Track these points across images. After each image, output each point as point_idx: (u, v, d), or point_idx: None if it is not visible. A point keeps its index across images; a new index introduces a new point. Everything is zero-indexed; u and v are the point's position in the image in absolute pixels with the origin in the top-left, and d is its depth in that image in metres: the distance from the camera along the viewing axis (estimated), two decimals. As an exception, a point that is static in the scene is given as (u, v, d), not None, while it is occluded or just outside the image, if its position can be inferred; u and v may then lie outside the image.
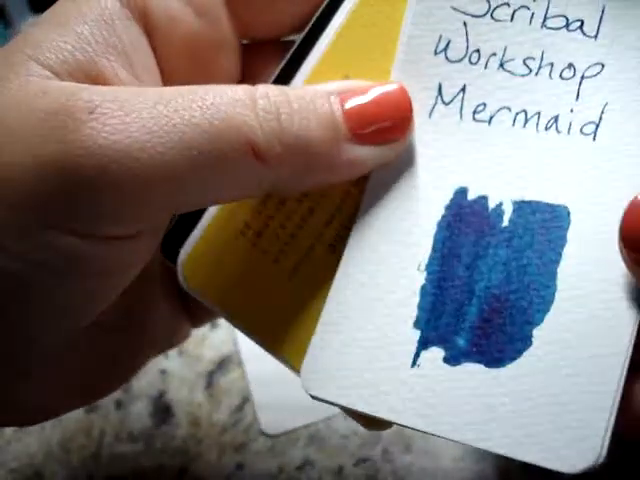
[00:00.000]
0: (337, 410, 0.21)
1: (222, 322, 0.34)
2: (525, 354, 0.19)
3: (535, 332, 0.19)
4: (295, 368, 0.21)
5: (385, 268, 0.21)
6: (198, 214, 0.22)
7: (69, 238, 0.18)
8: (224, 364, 0.33)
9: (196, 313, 0.27)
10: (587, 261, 0.19)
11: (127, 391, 0.33)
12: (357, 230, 0.21)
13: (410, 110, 0.21)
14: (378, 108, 0.20)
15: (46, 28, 0.19)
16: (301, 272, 0.22)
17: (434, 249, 0.21)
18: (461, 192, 0.21)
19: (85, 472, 0.31)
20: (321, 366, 0.20)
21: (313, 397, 0.20)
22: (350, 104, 0.20)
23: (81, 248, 0.18)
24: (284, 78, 0.22)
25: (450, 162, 0.21)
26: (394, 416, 0.20)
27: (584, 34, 0.20)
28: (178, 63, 0.21)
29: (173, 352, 0.34)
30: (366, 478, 0.30)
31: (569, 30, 0.20)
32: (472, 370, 0.20)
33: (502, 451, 0.19)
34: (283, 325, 0.22)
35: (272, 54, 0.23)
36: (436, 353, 0.20)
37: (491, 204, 0.20)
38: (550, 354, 0.19)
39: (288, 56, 0.23)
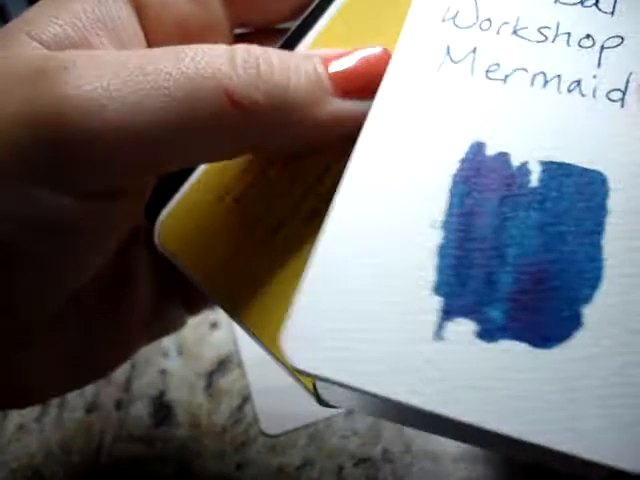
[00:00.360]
0: (337, 410, 0.21)
1: (222, 322, 0.34)
2: (576, 335, 0.17)
3: (585, 311, 0.17)
4: (261, 340, 0.21)
5: (391, 223, 0.18)
6: (182, 179, 0.22)
7: (50, 193, 0.18)
8: (224, 364, 0.33)
9: (191, 300, 0.26)
10: (635, 235, 0.17)
11: (127, 391, 0.33)
12: (350, 179, 0.19)
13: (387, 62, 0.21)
14: (362, 68, 0.20)
15: (42, 5, 0.20)
16: (274, 242, 0.22)
17: (451, 205, 0.18)
18: (478, 146, 0.19)
19: (85, 472, 0.31)
20: (311, 332, 0.17)
21: (300, 372, 0.17)
22: (334, 66, 0.20)
23: (63, 204, 0.18)
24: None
25: (463, 116, 0.19)
26: (418, 400, 0.16)
27: (600, 10, 0.20)
28: (168, 45, 0.22)
29: (173, 352, 0.34)
30: (366, 478, 0.30)
31: (584, 6, 0.20)
32: (513, 349, 0.17)
33: (557, 446, 0.16)
34: (252, 294, 0.21)
35: (265, 42, 0.23)
36: (465, 326, 0.17)
37: (514, 162, 0.18)
38: (605, 338, 0.17)
39: (285, 36, 0.23)
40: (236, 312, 0.22)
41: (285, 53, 0.20)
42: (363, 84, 0.20)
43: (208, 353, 0.33)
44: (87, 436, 0.32)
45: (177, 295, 0.26)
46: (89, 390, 0.33)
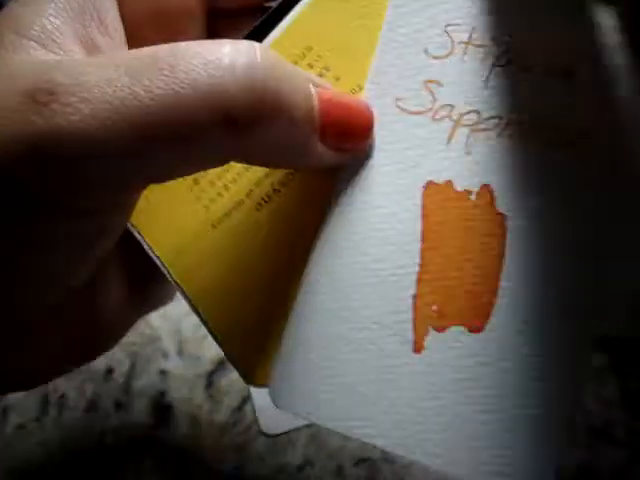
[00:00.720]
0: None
1: (222, 322, 0.34)
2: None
3: None
4: (202, 318, 0.22)
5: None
6: None
7: (41, 213, 0.18)
8: (224, 364, 0.33)
9: None
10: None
11: (127, 391, 0.33)
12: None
13: (371, 127, 0.21)
14: (347, 113, 0.20)
15: (24, 2, 0.20)
16: (225, 223, 0.23)
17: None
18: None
19: (85, 472, 0.31)
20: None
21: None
22: (324, 100, 0.20)
23: (56, 222, 0.18)
24: None
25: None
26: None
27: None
28: (144, 30, 0.22)
29: (173, 352, 0.34)
30: (366, 478, 0.30)
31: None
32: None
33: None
34: (200, 270, 0.22)
35: (238, 25, 0.23)
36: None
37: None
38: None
39: (255, 24, 0.23)
40: (184, 285, 0.23)
41: (288, 65, 0.19)
42: (344, 133, 0.20)
43: (208, 353, 0.33)
44: (87, 436, 0.32)
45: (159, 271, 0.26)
46: (89, 390, 0.33)
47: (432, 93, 0.21)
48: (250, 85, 0.17)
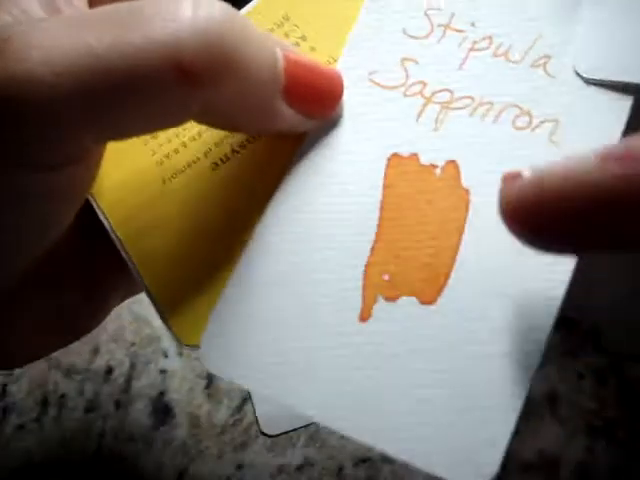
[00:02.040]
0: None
1: (222, 322, 0.34)
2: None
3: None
4: (144, 283, 0.21)
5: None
6: None
7: None
8: (224, 364, 0.33)
9: None
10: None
11: (127, 391, 0.33)
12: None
13: (340, 94, 0.21)
14: (316, 77, 0.20)
15: None
16: (177, 180, 0.22)
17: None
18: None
19: (85, 472, 0.31)
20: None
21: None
22: (291, 62, 0.20)
23: (16, 178, 0.18)
24: None
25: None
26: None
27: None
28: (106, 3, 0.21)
29: (173, 352, 0.34)
30: (366, 478, 0.30)
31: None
32: None
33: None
34: (149, 231, 0.22)
35: None
36: None
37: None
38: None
39: None
40: (126, 249, 0.22)
41: (254, 26, 0.19)
42: (310, 97, 0.20)
43: (208, 353, 0.33)
44: (87, 436, 0.32)
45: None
46: (89, 390, 0.33)
47: (406, 70, 0.21)
48: (206, 37, 0.17)
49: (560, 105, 0.20)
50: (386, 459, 0.30)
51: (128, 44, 0.17)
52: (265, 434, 0.31)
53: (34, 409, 0.33)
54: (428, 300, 0.19)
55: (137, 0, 0.18)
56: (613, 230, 0.15)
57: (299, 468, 0.30)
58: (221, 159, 0.22)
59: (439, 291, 0.19)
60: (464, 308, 0.19)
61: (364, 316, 0.19)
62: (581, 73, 0.20)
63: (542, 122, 0.20)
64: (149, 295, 0.21)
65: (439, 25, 0.21)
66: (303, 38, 0.22)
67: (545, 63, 0.20)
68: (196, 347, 0.21)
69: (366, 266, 0.20)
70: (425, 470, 0.18)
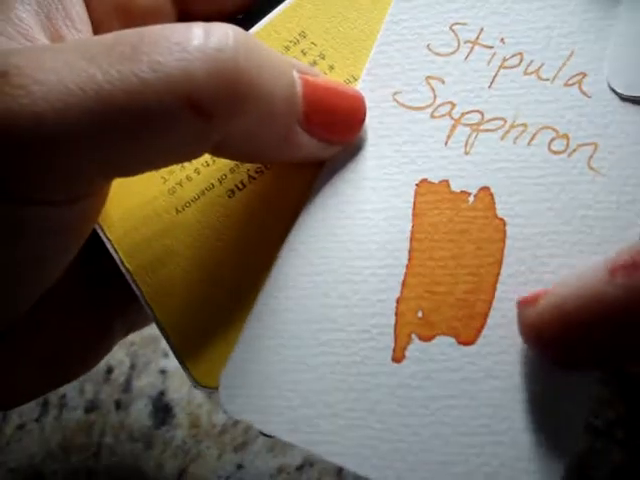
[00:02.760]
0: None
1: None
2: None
3: None
4: (156, 317, 0.20)
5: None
6: None
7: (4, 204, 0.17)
8: (224, 364, 0.33)
9: None
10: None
11: (127, 391, 0.33)
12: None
13: (363, 118, 0.20)
14: (336, 101, 0.19)
15: None
16: (192, 208, 0.21)
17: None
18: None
19: (85, 472, 0.31)
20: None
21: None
22: (311, 87, 0.19)
23: (19, 213, 0.17)
24: None
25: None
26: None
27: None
28: (113, 29, 0.21)
29: (173, 352, 0.34)
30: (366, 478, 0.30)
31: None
32: None
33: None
34: (159, 262, 0.21)
35: None
36: None
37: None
38: None
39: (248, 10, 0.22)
40: (137, 283, 0.21)
41: (269, 51, 0.18)
42: (331, 123, 0.19)
43: (208, 353, 0.33)
44: (87, 436, 0.32)
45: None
46: (89, 390, 0.33)
47: (433, 90, 0.20)
48: (218, 69, 0.16)
49: (598, 127, 0.19)
50: (386, 459, 0.30)
51: (135, 77, 0.16)
52: (265, 434, 0.31)
53: (34, 409, 0.33)
54: (466, 340, 0.18)
55: (145, 27, 0.17)
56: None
57: (299, 468, 0.30)
58: (237, 186, 0.21)
59: (479, 330, 0.18)
60: (504, 350, 0.17)
61: (397, 357, 0.18)
62: (616, 89, 0.19)
63: (580, 146, 0.19)
64: (162, 332, 0.20)
65: (466, 41, 0.20)
66: (321, 56, 0.21)
67: (580, 81, 0.19)
68: (213, 389, 0.19)
69: (397, 301, 0.18)
70: None
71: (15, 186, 0.17)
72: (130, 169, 0.18)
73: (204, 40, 0.16)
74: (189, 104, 0.16)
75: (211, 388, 0.19)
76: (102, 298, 0.23)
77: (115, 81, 0.16)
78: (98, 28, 0.21)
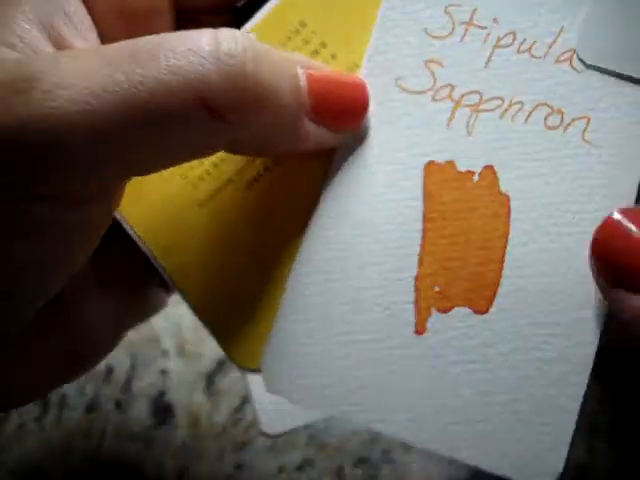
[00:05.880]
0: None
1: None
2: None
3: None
4: (190, 302, 0.22)
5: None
6: None
7: (19, 202, 0.18)
8: (224, 364, 0.33)
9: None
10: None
11: (127, 391, 0.33)
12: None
13: (367, 104, 0.21)
14: (341, 91, 0.20)
15: None
16: (214, 202, 0.22)
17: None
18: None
19: (85, 472, 0.31)
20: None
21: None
22: (314, 80, 0.20)
23: (35, 212, 0.18)
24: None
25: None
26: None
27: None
28: (115, 30, 0.21)
29: (173, 352, 0.34)
30: (366, 478, 0.30)
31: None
32: None
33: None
34: (187, 252, 0.22)
35: (207, 25, 0.23)
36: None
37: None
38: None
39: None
40: (171, 268, 0.22)
41: (273, 52, 0.19)
42: (337, 112, 0.20)
43: (208, 353, 0.33)
44: (87, 436, 0.32)
45: (154, 277, 0.26)
46: (89, 390, 0.33)
47: (432, 73, 0.21)
48: (229, 72, 0.17)
49: (589, 101, 0.20)
50: (386, 459, 0.30)
51: (156, 80, 0.17)
52: (265, 434, 0.31)
53: (35, 409, 0.33)
54: (481, 309, 0.19)
55: (155, 35, 0.18)
56: None
57: (299, 468, 0.30)
58: (254, 178, 0.22)
59: (490, 300, 0.19)
60: (516, 315, 0.19)
61: (420, 330, 0.20)
62: (583, 58, 0.20)
63: (573, 120, 0.20)
64: (204, 323, 0.22)
65: (461, 22, 0.21)
66: (323, 45, 0.22)
67: (571, 57, 0.20)
68: (256, 371, 0.21)
69: (415, 279, 0.20)
70: (492, 472, 0.18)
71: (45, 188, 0.18)
72: (146, 168, 0.19)
73: (216, 46, 0.18)
74: (204, 105, 0.17)
75: (254, 370, 0.21)
76: (117, 282, 0.24)
77: (139, 84, 0.17)
78: (98, 27, 0.21)
